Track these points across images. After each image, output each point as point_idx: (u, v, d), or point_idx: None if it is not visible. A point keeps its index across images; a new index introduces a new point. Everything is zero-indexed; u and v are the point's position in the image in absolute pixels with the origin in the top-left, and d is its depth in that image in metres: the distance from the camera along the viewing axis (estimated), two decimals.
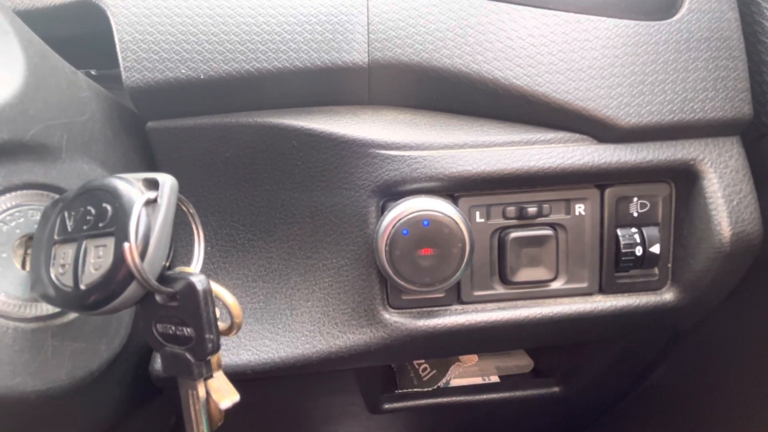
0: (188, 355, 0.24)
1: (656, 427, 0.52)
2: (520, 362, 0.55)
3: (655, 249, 0.32)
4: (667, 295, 0.33)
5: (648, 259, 0.32)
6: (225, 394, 0.25)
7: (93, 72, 0.44)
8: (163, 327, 0.24)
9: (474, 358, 0.55)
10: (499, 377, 0.54)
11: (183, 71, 0.31)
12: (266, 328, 0.35)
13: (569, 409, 0.54)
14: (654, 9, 0.31)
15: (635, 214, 0.33)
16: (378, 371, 0.53)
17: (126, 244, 0.21)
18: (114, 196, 0.22)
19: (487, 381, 0.54)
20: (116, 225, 0.22)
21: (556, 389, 0.50)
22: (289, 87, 0.32)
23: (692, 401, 0.47)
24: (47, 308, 0.25)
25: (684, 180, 0.32)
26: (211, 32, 0.31)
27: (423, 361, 0.54)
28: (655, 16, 0.31)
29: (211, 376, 0.25)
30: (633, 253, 0.32)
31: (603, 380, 0.48)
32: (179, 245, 0.35)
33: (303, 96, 0.33)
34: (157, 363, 0.34)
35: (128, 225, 0.21)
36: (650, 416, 0.53)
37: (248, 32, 0.31)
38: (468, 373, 0.55)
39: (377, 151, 0.31)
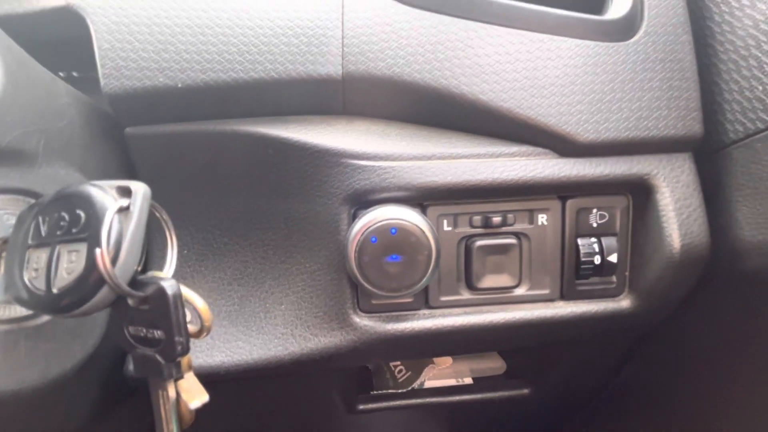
0: (158, 357, 0.25)
1: (626, 427, 0.55)
2: (494, 364, 0.57)
3: (613, 258, 0.34)
4: (624, 302, 0.35)
5: (606, 268, 0.34)
6: (195, 395, 0.26)
7: (75, 74, 0.44)
8: (134, 329, 0.25)
9: (448, 360, 0.56)
10: (473, 379, 0.56)
11: (161, 79, 0.32)
12: (240, 330, 0.36)
13: (540, 410, 0.56)
14: (613, 31, 0.33)
15: (594, 225, 0.34)
16: (355, 373, 0.54)
17: (98, 250, 0.22)
18: (87, 202, 0.23)
19: (461, 383, 0.56)
20: (89, 231, 0.22)
21: (526, 390, 0.51)
22: (265, 97, 0.33)
23: (658, 401, 0.49)
24: (20, 310, 0.26)
25: (640, 193, 0.34)
26: (189, 42, 0.32)
27: (399, 363, 0.56)
28: (613, 38, 0.33)
29: (181, 377, 0.26)
30: (592, 262, 0.34)
31: (571, 381, 0.50)
32: (155, 249, 0.36)
33: (278, 105, 0.34)
34: (132, 364, 0.34)
35: (101, 231, 0.22)
36: (619, 416, 0.55)
37: (225, 43, 0.32)
38: (443, 375, 0.56)
39: (349, 161, 0.32)
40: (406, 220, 0.30)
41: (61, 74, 0.41)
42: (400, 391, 0.53)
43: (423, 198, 0.33)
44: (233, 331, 0.36)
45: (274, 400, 0.47)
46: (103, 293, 0.23)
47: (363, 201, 0.33)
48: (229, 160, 0.34)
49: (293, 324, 0.35)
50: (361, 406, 0.50)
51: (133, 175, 0.36)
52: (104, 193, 0.23)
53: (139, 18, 0.32)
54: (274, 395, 0.46)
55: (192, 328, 0.26)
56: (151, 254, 0.36)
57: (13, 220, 0.26)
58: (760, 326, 0.35)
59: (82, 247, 0.23)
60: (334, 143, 0.32)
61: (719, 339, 0.39)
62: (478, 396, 0.51)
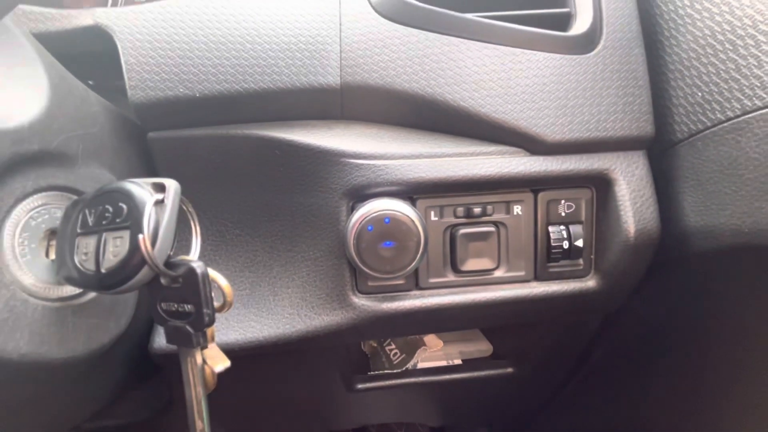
0: (188, 327, 0.29)
1: (600, 403, 0.60)
2: (481, 347, 0.62)
3: (579, 243, 0.39)
4: (591, 282, 0.40)
5: (573, 252, 0.39)
6: (218, 361, 0.31)
7: (90, 82, 0.48)
8: (167, 305, 0.29)
9: (440, 343, 0.61)
10: (462, 360, 0.61)
11: (181, 90, 0.36)
12: (252, 311, 0.40)
13: (524, 388, 0.61)
14: (575, 45, 0.37)
15: (563, 214, 0.39)
16: (353, 355, 0.59)
17: (140, 236, 0.26)
18: (129, 197, 0.27)
19: (451, 363, 0.60)
20: (131, 220, 0.27)
21: (510, 369, 0.56)
22: (272, 104, 0.38)
23: (627, 378, 0.54)
24: (68, 290, 0.30)
25: (601, 186, 0.38)
26: (205, 57, 0.36)
27: (393, 346, 0.60)
28: (576, 51, 0.37)
29: (206, 346, 0.30)
30: (561, 247, 0.39)
31: (549, 361, 0.54)
32: (177, 238, 0.40)
33: (284, 111, 0.39)
34: (156, 341, 0.39)
35: (142, 220, 0.26)
36: (594, 393, 0.60)
37: (238, 57, 0.37)
38: (434, 357, 0.61)
39: (347, 160, 0.36)
40: (398, 211, 0.35)
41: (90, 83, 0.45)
42: (395, 371, 0.57)
43: (412, 192, 0.38)
44: (245, 313, 0.40)
45: (280, 378, 0.51)
46: (144, 272, 0.27)
47: (360, 195, 0.37)
48: (240, 160, 0.39)
49: (299, 305, 0.39)
50: (359, 385, 0.54)
51: (154, 174, 0.40)
52: (142, 189, 0.28)
53: (161, 35, 0.36)
54: (281, 374, 0.51)
55: (216, 303, 0.30)
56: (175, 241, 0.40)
57: (59, 213, 0.30)
58: (708, 305, 0.40)
59: (126, 234, 0.27)
60: (334, 144, 0.37)
61: (676, 318, 0.44)
62: (467, 375, 0.56)
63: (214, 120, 0.38)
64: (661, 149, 0.39)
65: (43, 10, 0.39)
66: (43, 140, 0.29)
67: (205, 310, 0.28)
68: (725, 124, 0.33)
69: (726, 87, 0.33)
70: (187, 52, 0.36)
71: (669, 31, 0.37)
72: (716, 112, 0.33)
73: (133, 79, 0.36)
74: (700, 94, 0.35)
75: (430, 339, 0.60)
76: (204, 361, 0.31)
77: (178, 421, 0.44)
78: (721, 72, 0.33)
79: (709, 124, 0.34)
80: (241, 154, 0.38)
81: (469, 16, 0.38)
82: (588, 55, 0.37)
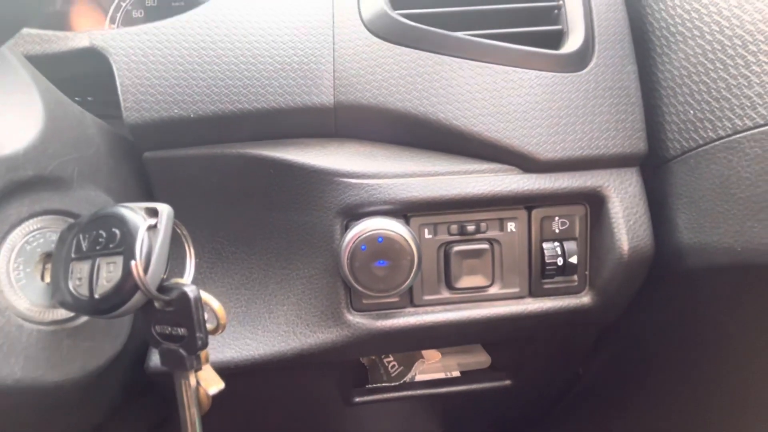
0: (182, 351, 0.29)
1: (598, 413, 0.59)
2: (479, 359, 0.62)
3: (574, 259, 0.39)
4: (585, 298, 0.40)
5: (568, 268, 0.39)
6: (212, 383, 0.31)
7: (90, 98, 0.49)
8: (160, 328, 0.30)
9: (437, 356, 0.61)
10: (460, 373, 0.61)
11: (176, 111, 0.37)
12: (247, 329, 0.40)
13: (521, 400, 0.61)
14: (568, 63, 0.38)
15: (557, 231, 0.39)
16: (351, 369, 0.59)
17: (133, 262, 0.26)
18: (122, 222, 0.28)
19: (449, 376, 0.60)
20: (124, 246, 0.27)
21: (508, 382, 0.56)
22: (266, 124, 0.38)
23: (623, 392, 0.54)
24: (63, 313, 0.30)
25: (595, 203, 0.38)
26: (200, 78, 0.37)
27: (391, 359, 0.60)
28: (568, 69, 0.37)
29: (200, 368, 0.31)
30: (556, 263, 0.39)
31: (546, 374, 0.54)
32: (172, 259, 0.40)
33: (279, 131, 0.39)
34: (152, 360, 0.39)
35: (134, 246, 0.27)
36: (591, 408, 0.59)
37: (232, 78, 0.37)
38: (433, 369, 0.61)
39: (341, 179, 0.37)
40: (391, 230, 0.35)
41: (76, 99, 0.45)
42: (393, 384, 0.57)
43: (406, 210, 0.38)
44: (241, 330, 0.40)
45: (277, 394, 0.51)
46: (137, 297, 0.27)
47: (354, 213, 0.37)
48: (234, 179, 0.39)
49: (294, 323, 0.39)
50: (358, 399, 0.54)
51: (149, 193, 0.40)
52: (135, 214, 0.28)
53: (156, 57, 0.37)
54: (278, 390, 0.51)
55: (209, 326, 0.30)
56: (169, 264, 0.40)
57: (54, 237, 0.31)
58: (702, 321, 0.40)
59: (119, 260, 0.27)
60: (328, 164, 0.37)
61: (670, 333, 0.44)
62: (465, 387, 0.56)
63: (209, 139, 0.38)
64: (654, 166, 0.39)
65: (39, 32, 0.39)
66: (39, 166, 0.29)
67: (198, 334, 0.28)
68: (717, 143, 0.33)
69: (717, 106, 0.33)
70: (182, 74, 0.37)
71: (661, 48, 0.38)
72: (708, 130, 0.33)
73: (128, 101, 0.36)
74: (692, 111, 0.35)
75: (429, 351, 0.60)
76: (198, 383, 0.31)
77: None
78: (712, 90, 0.33)
79: (701, 142, 0.34)
80: (236, 173, 0.39)
81: (461, 34, 0.38)
82: (580, 72, 0.37)
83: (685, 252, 0.36)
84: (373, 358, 0.61)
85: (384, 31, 0.38)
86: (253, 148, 0.38)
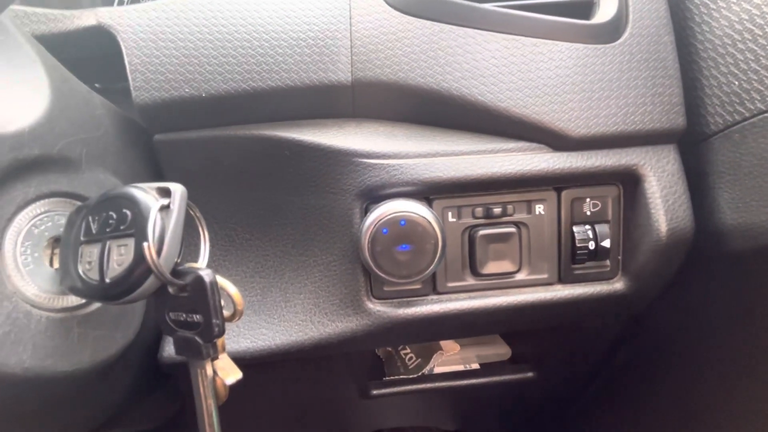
0: (197, 339, 0.28)
1: (624, 406, 0.57)
2: (499, 350, 0.60)
3: (606, 243, 0.37)
4: (618, 284, 0.38)
5: (600, 253, 0.37)
6: (229, 372, 0.29)
7: (97, 85, 0.47)
8: (175, 315, 0.28)
9: (456, 347, 0.59)
10: (480, 365, 0.59)
11: (186, 90, 0.35)
12: (263, 318, 0.39)
13: (544, 393, 0.59)
14: (600, 34, 0.35)
15: (588, 213, 0.37)
16: (367, 361, 0.57)
17: (145, 244, 0.25)
18: (133, 202, 0.26)
19: (468, 368, 0.58)
20: (136, 227, 0.25)
21: (530, 374, 0.54)
22: (281, 103, 0.36)
23: (653, 381, 0.51)
24: (73, 300, 0.29)
25: (629, 182, 0.36)
26: (211, 55, 0.35)
27: (408, 350, 0.59)
28: (601, 40, 0.35)
29: (217, 357, 0.29)
30: (587, 248, 0.37)
31: (571, 364, 0.52)
32: (185, 244, 0.39)
33: (294, 110, 0.37)
34: (166, 350, 0.37)
35: (146, 227, 0.25)
36: (617, 398, 0.57)
37: (244, 55, 0.35)
38: (451, 362, 0.59)
39: (360, 159, 0.35)
40: (414, 213, 0.33)
41: (96, 86, 0.44)
42: (410, 376, 0.56)
43: (429, 192, 0.36)
44: (257, 320, 0.39)
45: (293, 386, 0.50)
46: (150, 282, 0.26)
47: (374, 196, 0.35)
48: (248, 162, 0.37)
49: (312, 311, 0.38)
50: (374, 391, 0.53)
51: (159, 177, 0.39)
52: (147, 194, 0.26)
53: (165, 34, 0.35)
54: (294, 381, 0.49)
55: (226, 312, 0.29)
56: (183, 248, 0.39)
57: (63, 220, 0.29)
58: (743, 306, 0.38)
59: (130, 242, 0.26)
60: (346, 144, 0.35)
61: (706, 320, 0.42)
62: (485, 380, 0.54)
63: (221, 121, 0.37)
64: (693, 142, 0.36)
65: (45, 11, 0.38)
66: (45, 145, 0.28)
67: (214, 321, 0.27)
68: (766, 115, 0.30)
69: (767, 74, 0.30)
70: (192, 51, 0.35)
71: (701, 16, 0.35)
72: (756, 101, 0.31)
73: (137, 80, 0.35)
74: (737, 83, 0.32)
75: (447, 343, 0.58)
76: (215, 373, 0.29)
77: (189, 429, 0.43)
78: (761, 58, 0.31)
79: (747, 114, 0.32)
80: (250, 155, 0.37)
81: (486, 5, 0.36)
82: (614, 44, 0.35)
83: (728, 233, 0.34)
84: (389, 349, 0.60)
85: (404, 2, 0.36)
86: (267, 129, 0.36)
